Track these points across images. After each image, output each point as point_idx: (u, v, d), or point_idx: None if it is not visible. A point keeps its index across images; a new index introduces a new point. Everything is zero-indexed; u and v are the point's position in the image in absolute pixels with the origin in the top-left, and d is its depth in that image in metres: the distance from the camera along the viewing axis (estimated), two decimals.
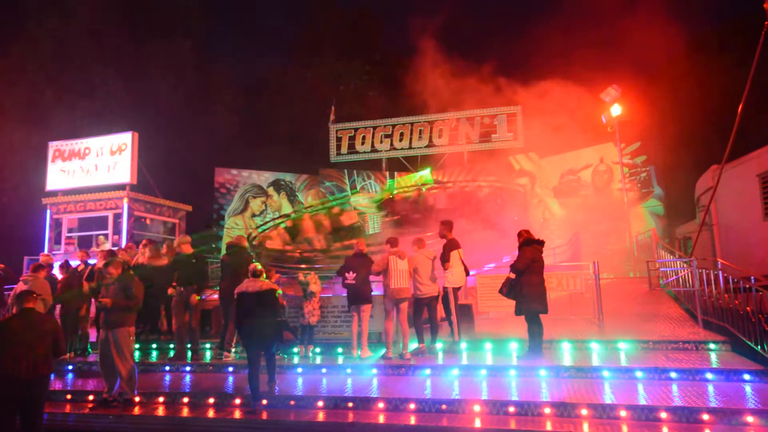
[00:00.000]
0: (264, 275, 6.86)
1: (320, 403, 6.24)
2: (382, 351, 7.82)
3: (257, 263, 7.02)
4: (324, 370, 7.47)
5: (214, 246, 20.40)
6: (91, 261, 10.12)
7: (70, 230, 15.26)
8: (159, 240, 13.32)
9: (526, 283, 7.11)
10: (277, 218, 18.60)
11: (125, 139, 15.36)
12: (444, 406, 5.87)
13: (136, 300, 6.71)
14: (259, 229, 17.49)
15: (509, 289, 7.26)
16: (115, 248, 11.19)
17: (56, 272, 9.49)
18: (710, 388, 5.97)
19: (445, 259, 7.91)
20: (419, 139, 20.71)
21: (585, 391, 5.98)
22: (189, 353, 8.55)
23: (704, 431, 5.02)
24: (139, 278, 7.05)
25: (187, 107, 22.80)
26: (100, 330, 6.85)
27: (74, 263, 9.93)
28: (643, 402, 5.58)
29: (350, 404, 6.14)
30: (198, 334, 8.74)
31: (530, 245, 7.26)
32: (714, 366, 6.51)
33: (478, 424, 5.48)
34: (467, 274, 8.19)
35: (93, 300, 9.57)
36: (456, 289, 8.04)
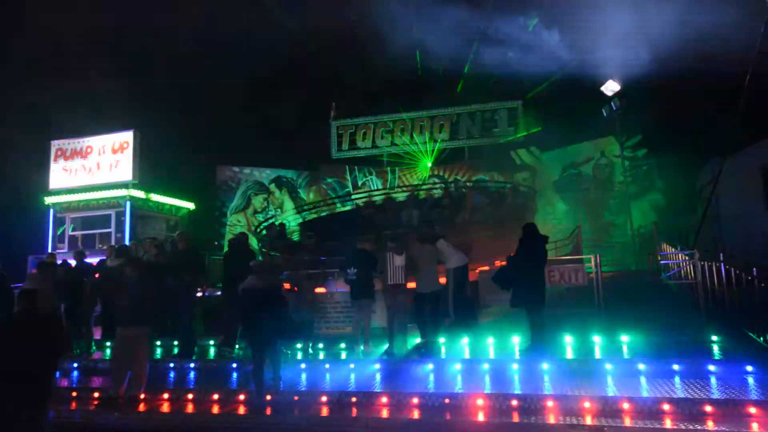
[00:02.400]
0: (267, 271, 6.89)
1: (324, 399, 6.26)
2: (385, 346, 7.86)
3: (262, 259, 7.06)
4: (327, 366, 7.50)
5: (216, 243, 20.44)
6: (87, 260, 10.14)
7: (73, 229, 15.31)
8: (162, 238, 13.35)
9: (524, 278, 7.14)
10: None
11: (127, 137, 15.39)
12: (447, 400, 5.89)
13: (155, 300, 6.76)
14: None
15: (502, 276, 7.31)
16: (128, 245, 11.26)
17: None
18: (713, 379, 5.98)
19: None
20: (420, 135, 20.67)
21: (588, 383, 6.00)
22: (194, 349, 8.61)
23: (707, 423, 5.03)
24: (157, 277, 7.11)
25: (188, 105, 22.81)
26: (117, 327, 6.91)
27: (73, 262, 9.98)
28: (645, 394, 5.60)
29: (354, 399, 6.17)
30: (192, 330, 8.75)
31: (532, 240, 7.28)
32: (716, 358, 6.53)
33: (481, 417, 5.50)
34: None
35: (98, 298, 9.64)
36: (459, 268, 8.11)
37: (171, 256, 8.65)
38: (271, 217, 18.90)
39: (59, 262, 9.77)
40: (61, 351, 5.40)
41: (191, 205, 17.49)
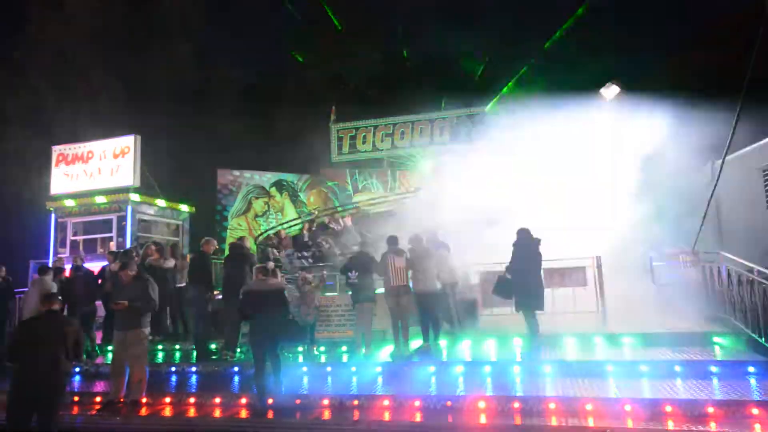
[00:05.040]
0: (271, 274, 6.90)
1: (326, 402, 6.28)
2: (387, 348, 7.86)
3: (266, 262, 7.08)
4: (329, 369, 7.51)
5: (217, 246, 20.42)
6: (87, 265, 10.17)
7: (74, 233, 15.31)
8: (164, 242, 13.36)
9: (520, 281, 7.26)
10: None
11: (128, 141, 15.40)
12: (449, 403, 5.90)
13: (152, 303, 6.77)
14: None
15: (502, 287, 7.45)
16: (129, 247, 11.29)
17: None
18: (715, 380, 5.98)
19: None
20: (421, 137, 20.70)
21: (589, 385, 6.00)
22: (194, 353, 8.63)
23: (709, 424, 5.04)
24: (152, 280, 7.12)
25: (188, 109, 22.86)
26: (114, 332, 6.93)
27: (68, 267, 9.99)
28: (647, 396, 5.60)
29: (355, 402, 6.18)
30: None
31: (524, 244, 7.40)
32: (718, 359, 6.52)
33: (483, 420, 5.50)
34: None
35: (100, 302, 9.65)
36: (453, 284, 8.30)
37: (199, 260, 8.65)
38: (275, 226, 18.87)
39: (69, 265, 9.81)
40: (75, 355, 5.44)
41: (192, 209, 17.49)
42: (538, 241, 7.44)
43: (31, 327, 5.43)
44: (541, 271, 7.48)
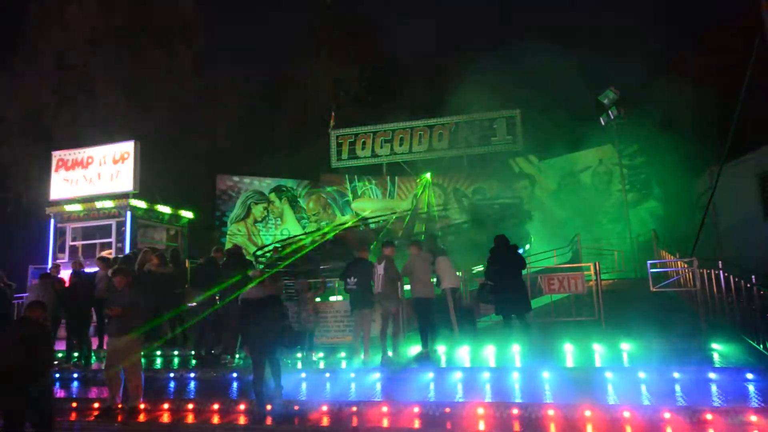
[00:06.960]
0: (266, 280, 6.90)
1: (324, 408, 6.27)
2: (385, 354, 7.85)
3: (259, 268, 7.08)
4: (327, 375, 7.50)
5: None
6: (89, 270, 10.16)
7: (73, 239, 15.31)
8: (163, 247, 13.36)
9: (502, 287, 7.59)
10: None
11: (127, 147, 15.42)
12: (447, 409, 5.89)
13: (145, 309, 6.74)
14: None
15: (484, 294, 7.87)
16: (129, 253, 11.30)
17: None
18: (713, 387, 5.98)
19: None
20: (419, 144, 20.76)
21: (588, 391, 6.00)
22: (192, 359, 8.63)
23: (708, 431, 5.04)
24: (146, 286, 7.11)
25: (188, 115, 22.92)
26: (106, 338, 6.91)
27: (67, 273, 9.97)
28: (646, 402, 5.60)
29: (354, 408, 6.17)
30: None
31: (501, 250, 7.70)
32: (716, 365, 6.53)
33: (482, 426, 5.50)
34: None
35: (93, 308, 9.63)
36: (453, 290, 8.33)
37: (208, 266, 8.68)
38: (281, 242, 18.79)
39: (69, 271, 9.78)
40: (39, 361, 5.10)
41: (191, 215, 17.50)
42: (515, 247, 7.76)
43: None
44: (523, 275, 7.84)
